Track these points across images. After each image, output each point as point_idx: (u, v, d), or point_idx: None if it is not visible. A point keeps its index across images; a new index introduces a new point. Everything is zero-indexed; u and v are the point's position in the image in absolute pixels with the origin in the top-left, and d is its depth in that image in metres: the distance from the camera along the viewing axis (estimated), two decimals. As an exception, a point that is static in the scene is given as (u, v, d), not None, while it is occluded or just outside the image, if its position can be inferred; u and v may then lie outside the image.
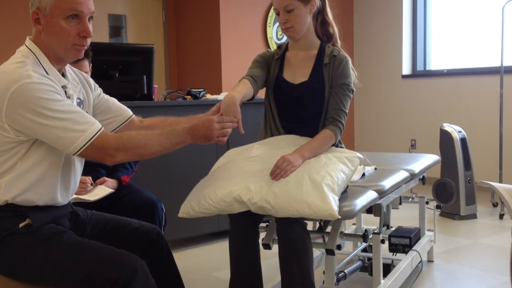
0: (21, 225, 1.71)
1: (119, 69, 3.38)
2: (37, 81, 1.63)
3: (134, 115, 2.09)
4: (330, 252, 2.19)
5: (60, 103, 1.66)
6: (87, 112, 1.88)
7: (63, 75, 1.82)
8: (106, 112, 2.02)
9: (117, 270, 1.63)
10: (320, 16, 2.33)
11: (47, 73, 1.72)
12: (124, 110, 2.07)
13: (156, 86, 3.66)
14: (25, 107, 1.61)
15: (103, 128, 1.72)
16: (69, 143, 1.66)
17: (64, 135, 1.65)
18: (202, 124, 1.83)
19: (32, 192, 1.72)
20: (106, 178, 2.60)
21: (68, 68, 1.88)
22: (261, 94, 2.43)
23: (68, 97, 1.78)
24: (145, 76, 3.42)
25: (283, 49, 2.39)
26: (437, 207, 3.43)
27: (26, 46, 1.77)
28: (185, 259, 3.46)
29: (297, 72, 2.32)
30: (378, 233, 2.45)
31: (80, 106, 1.85)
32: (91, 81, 2.00)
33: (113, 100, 2.07)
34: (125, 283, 1.61)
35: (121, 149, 1.71)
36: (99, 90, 2.03)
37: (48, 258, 1.68)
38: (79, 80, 1.92)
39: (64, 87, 1.78)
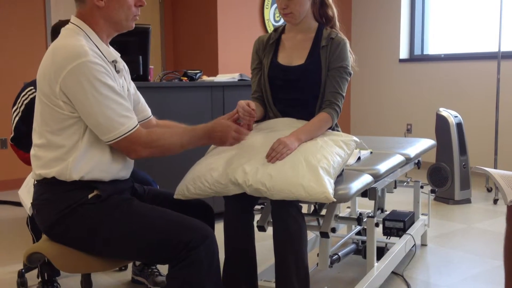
0: (90, 195, 1.77)
1: (115, 49, 3.34)
2: (93, 60, 1.70)
3: (152, 116, 2.16)
4: (324, 235, 2.20)
5: (110, 89, 1.73)
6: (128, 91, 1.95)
7: None
8: (133, 106, 2.04)
9: (190, 233, 1.72)
10: (319, -1, 2.31)
11: (98, 49, 1.79)
12: (146, 109, 2.15)
13: (152, 67, 3.63)
14: (80, 85, 1.68)
15: (138, 125, 1.79)
16: (106, 131, 1.73)
17: (104, 122, 1.71)
18: (221, 128, 1.95)
19: (97, 170, 1.79)
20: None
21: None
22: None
23: (118, 71, 1.86)
24: (141, 57, 3.39)
25: (279, 32, 2.37)
26: (432, 191, 3.45)
27: (73, 23, 1.81)
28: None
29: (294, 55, 2.30)
30: (373, 217, 2.45)
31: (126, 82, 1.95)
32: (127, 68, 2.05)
33: (141, 96, 2.13)
34: (194, 246, 1.69)
35: (148, 147, 1.80)
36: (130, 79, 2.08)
37: (121, 224, 1.75)
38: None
39: (114, 61, 1.84)
